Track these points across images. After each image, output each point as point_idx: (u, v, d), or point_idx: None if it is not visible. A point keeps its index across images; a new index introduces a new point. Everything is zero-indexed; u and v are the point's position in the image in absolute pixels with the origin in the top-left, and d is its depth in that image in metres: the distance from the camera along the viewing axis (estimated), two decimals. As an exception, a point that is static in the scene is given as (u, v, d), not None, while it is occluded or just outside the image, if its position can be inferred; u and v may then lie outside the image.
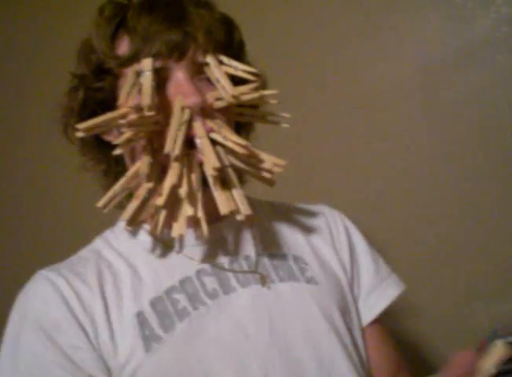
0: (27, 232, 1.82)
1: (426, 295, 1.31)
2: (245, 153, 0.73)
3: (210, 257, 0.83)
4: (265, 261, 0.85)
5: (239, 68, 0.77)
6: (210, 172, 0.72)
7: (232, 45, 0.81)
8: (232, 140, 0.73)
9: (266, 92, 0.76)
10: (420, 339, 1.38)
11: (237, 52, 0.82)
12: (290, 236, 0.91)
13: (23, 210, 1.83)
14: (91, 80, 0.79)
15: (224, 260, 0.83)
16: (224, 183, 0.76)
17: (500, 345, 0.68)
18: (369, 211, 1.31)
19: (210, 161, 0.72)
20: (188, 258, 0.82)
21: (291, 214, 0.95)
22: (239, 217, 0.75)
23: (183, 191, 0.72)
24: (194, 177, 0.74)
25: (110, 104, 0.79)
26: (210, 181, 0.74)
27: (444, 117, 1.31)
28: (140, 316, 0.76)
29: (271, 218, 0.92)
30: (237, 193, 0.76)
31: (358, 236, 0.96)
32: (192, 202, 0.73)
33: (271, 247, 0.88)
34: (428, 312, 1.35)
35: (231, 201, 0.74)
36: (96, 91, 0.79)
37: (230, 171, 0.76)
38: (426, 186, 1.35)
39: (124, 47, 0.77)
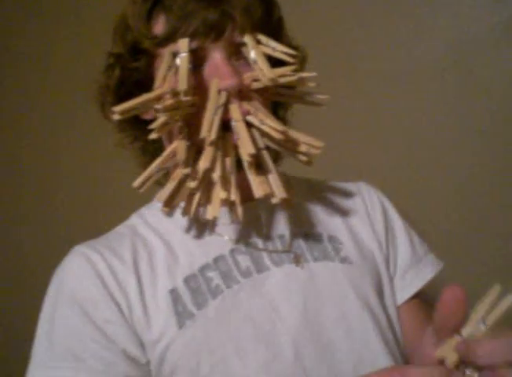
0: (65, 210, 1.86)
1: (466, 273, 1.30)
2: (281, 138, 0.72)
3: (244, 236, 0.83)
4: (300, 240, 0.85)
5: (277, 49, 0.76)
6: (245, 157, 0.71)
7: (270, 23, 0.79)
8: (268, 124, 0.72)
9: (304, 74, 0.74)
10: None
11: (276, 30, 0.80)
12: (325, 215, 0.90)
13: (59, 187, 1.88)
14: (127, 59, 0.79)
15: (258, 239, 0.83)
16: (259, 165, 0.75)
17: (498, 288, 0.55)
18: (401, 189, 1.28)
19: (245, 146, 0.71)
20: (223, 237, 0.82)
21: (328, 193, 0.94)
22: (274, 201, 0.74)
23: (216, 175, 0.71)
24: (228, 160, 0.73)
25: (146, 83, 0.78)
26: (245, 164, 0.73)
27: (479, 95, 1.27)
28: (173, 293, 0.77)
29: (307, 197, 0.92)
30: (272, 176, 0.75)
31: (395, 214, 0.95)
32: (226, 185, 0.73)
33: (306, 226, 0.87)
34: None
35: (265, 184, 0.74)
36: (132, 71, 0.79)
37: (265, 154, 0.76)
38: (461, 163, 1.32)
39: (160, 26, 0.76)
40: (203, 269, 0.79)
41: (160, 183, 0.81)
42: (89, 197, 1.83)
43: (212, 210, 0.74)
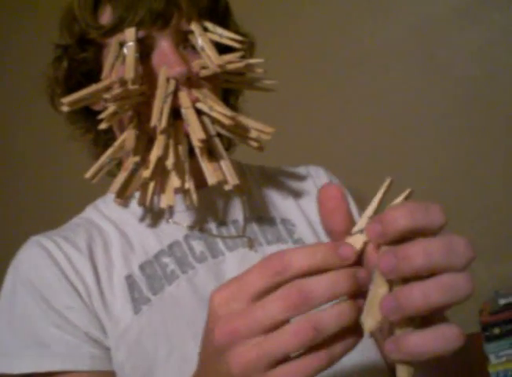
0: (20, 203, 1.83)
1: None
2: (230, 123, 0.72)
3: (198, 222, 0.83)
4: (253, 225, 0.86)
5: (224, 35, 0.76)
6: (196, 143, 0.72)
7: (217, 10, 0.79)
8: (217, 110, 0.73)
9: (252, 60, 0.75)
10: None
11: (223, 17, 0.81)
12: (278, 199, 0.91)
13: (16, 182, 1.84)
14: (74, 51, 0.78)
15: (212, 225, 0.84)
16: (211, 153, 0.75)
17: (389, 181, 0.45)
18: (361, 173, 1.30)
19: (195, 132, 0.71)
20: (177, 224, 0.82)
21: (280, 177, 0.95)
22: (226, 188, 0.75)
23: (169, 163, 0.71)
24: (180, 148, 0.73)
25: (95, 74, 0.78)
26: (197, 151, 0.73)
27: (441, 76, 1.29)
28: (129, 279, 0.77)
29: (259, 182, 0.93)
30: (224, 163, 0.76)
31: (347, 194, 0.96)
32: (180, 173, 0.73)
33: (259, 210, 0.88)
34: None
35: (218, 171, 0.74)
36: (80, 62, 0.78)
37: (217, 141, 0.76)
38: (424, 146, 1.33)
39: (107, 16, 0.75)
40: (158, 255, 0.80)
41: (113, 174, 0.81)
42: (43, 189, 1.80)
43: (166, 199, 0.75)
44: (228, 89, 0.84)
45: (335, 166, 1.01)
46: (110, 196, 0.87)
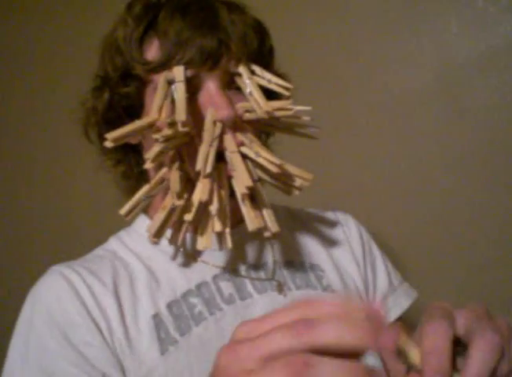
0: (39, 232, 1.79)
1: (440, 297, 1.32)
2: (277, 172, 0.72)
3: (227, 263, 0.82)
4: (282, 268, 0.85)
5: (272, 81, 0.76)
6: (241, 190, 0.71)
7: (263, 52, 0.79)
8: (264, 156, 0.72)
9: (300, 107, 0.75)
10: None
11: (268, 59, 0.81)
12: (307, 243, 0.91)
13: (36, 209, 1.80)
14: (117, 84, 0.77)
15: (241, 266, 0.83)
16: (252, 198, 0.75)
17: None
18: (382, 216, 1.30)
19: (241, 178, 0.71)
20: (205, 264, 0.81)
21: (308, 221, 0.95)
22: (266, 235, 0.74)
23: (214, 208, 0.71)
24: (223, 192, 0.73)
25: (136, 109, 0.77)
26: (239, 196, 0.73)
27: (465, 123, 1.30)
28: (156, 318, 0.75)
29: (287, 225, 0.92)
30: (266, 209, 0.75)
31: (372, 244, 0.97)
32: (221, 218, 0.72)
33: (287, 254, 0.88)
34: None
35: (259, 218, 0.74)
36: (121, 96, 0.77)
37: (259, 186, 0.75)
38: (444, 194, 1.34)
39: (153, 51, 0.74)
40: (186, 295, 0.78)
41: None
42: (64, 218, 1.77)
43: (204, 242, 0.73)
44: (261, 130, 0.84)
45: (357, 209, 1.01)
46: (134, 229, 0.85)
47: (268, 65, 0.79)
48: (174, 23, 0.73)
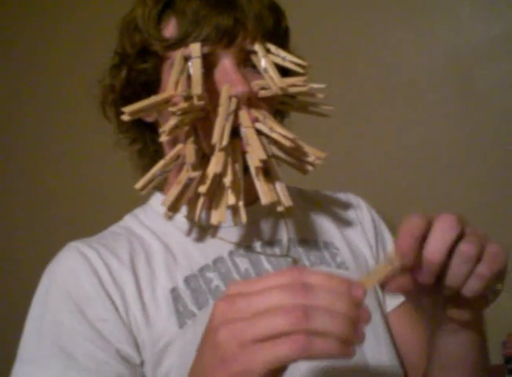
0: (56, 210, 1.82)
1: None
2: (291, 146, 0.73)
3: (242, 239, 0.83)
4: (297, 246, 0.86)
5: (287, 59, 0.77)
6: (255, 163, 0.72)
7: (279, 32, 0.80)
8: (278, 132, 0.73)
9: (315, 85, 0.76)
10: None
11: (283, 39, 0.82)
12: (320, 222, 0.92)
13: (51, 186, 1.83)
14: (135, 61, 0.78)
15: (256, 243, 0.84)
16: (267, 173, 0.76)
17: None
18: (396, 200, 1.31)
19: (256, 152, 0.72)
20: (221, 240, 0.82)
21: (321, 201, 0.96)
22: (279, 209, 0.75)
23: (227, 180, 0.72)
24: (237, 166, 0.74)
25: (152, 85, 0.78)
26: (253, 170, 0.74)
27: (478, 106, 1.30)
28: (174, 292, 0.76)
29: (301, 205, 0.93)
30: (279, 184, 0.76)
31: (383, 225, 0.98)
32: (235, 191, 0.73)
33: (302, 232, 0.88)
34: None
35: (272, 192, 0.75)
36: (139, 72, 0.78)
37: (273, 161, 0.77)
38: (458, 177, 1.34)
39: (171, 29, 0.76)
40: (203, 269, 0.79)
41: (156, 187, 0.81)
42: (81, 196, 1.79)
43: (218, 215, 0.74)
44: (277, 109, 0.85)
45: (367, 192, 1.02)
46: (151, 207, 0.87)
47: (283, 44, 0.80)
48: (191, 2, 0.74)
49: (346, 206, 0.96)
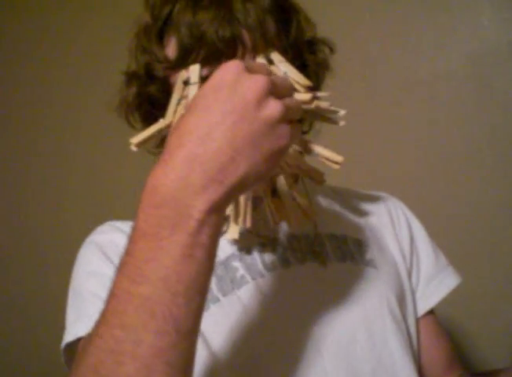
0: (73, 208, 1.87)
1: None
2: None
3: (269, 232, 0.84)
4: (324, 241, 0.86)
5: (288, 75, 0.72)
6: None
7: (289, 33, 0.77)
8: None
9: (319, 93, 0.71)
10: (465, 338, 1.38)
11: (296, 39, 0.77)
12: (350, 219, 0.90)
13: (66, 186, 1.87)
14: (142, 80, 0.79)
15: (283, 236, 0.85)
16: (274, 191, 0.76)
17: None
18: (414, 200, 1.27)
19: None
20: (250, 232, 0.83)
21: (352, 199, 0.94)
22: (291, 229, 0.76)
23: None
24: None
25: (163, 104, 0.79)
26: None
27: (496, 107, 1.24)
28: None
29: (331, 201, 0.92)
30: (288, 202, 0.76)
31: (418, 225, 0.95)
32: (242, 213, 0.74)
33: (330, 227, 0.88)
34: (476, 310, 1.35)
35: (281, 211, 0.75)
36: (148, 92, 0.79)
37: (281, 179, 0.76)
38: (475, 177, 1.30)
39: (172, 48, 0.75)
40: (229, 258, 0.81)
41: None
42: (95, 195, 1.84)
43: (232, 233, 0.76)
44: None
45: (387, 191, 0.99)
46: None
47: (297, 46, 0.77)
48: (186, 19, 0.72)
49: (379, 204, 0.94)
